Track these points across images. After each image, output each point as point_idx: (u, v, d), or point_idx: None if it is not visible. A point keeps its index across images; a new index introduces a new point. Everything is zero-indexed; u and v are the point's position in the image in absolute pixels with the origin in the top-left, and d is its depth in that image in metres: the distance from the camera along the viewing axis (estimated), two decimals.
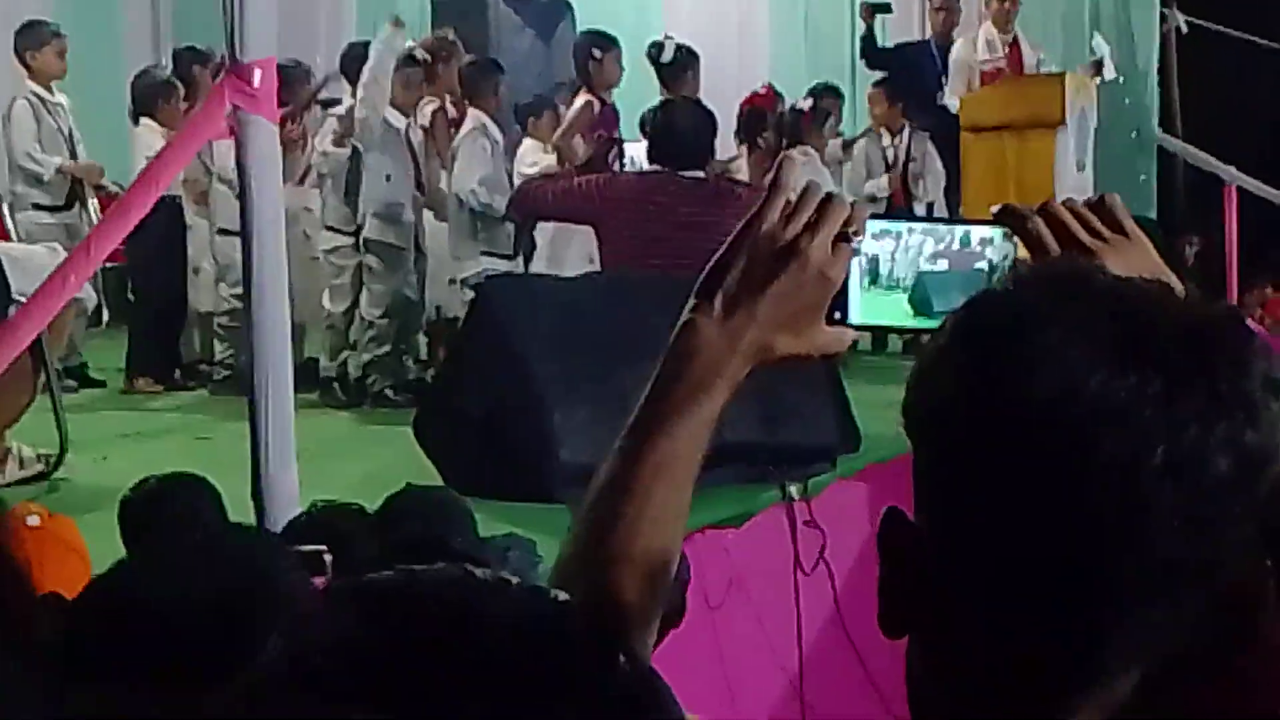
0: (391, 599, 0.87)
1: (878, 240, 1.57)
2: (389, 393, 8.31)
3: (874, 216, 1.57)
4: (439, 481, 5.29)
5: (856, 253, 1.52)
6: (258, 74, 3.96)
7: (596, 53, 8.73)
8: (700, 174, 6.85)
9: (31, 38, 9.04)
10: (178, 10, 13.41)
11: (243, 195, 3.98)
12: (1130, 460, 1.02)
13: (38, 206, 8.97)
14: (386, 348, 8.41)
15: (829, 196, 1.50)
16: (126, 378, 8.94)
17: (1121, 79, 10.99)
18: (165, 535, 3.72)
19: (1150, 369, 1.03)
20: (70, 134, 9.08)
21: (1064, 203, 1.58)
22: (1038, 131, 9.97)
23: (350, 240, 8.47)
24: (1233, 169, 11.37)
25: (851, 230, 1.49)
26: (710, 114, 7.28)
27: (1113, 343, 1.04)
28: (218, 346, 8.90)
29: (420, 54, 8.88)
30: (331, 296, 8.45)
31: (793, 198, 1.51)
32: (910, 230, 1.61)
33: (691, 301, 1.50)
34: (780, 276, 1.47)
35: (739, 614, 5.49)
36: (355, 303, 8.49)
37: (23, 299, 5.66)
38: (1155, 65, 11.70)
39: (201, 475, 4.03)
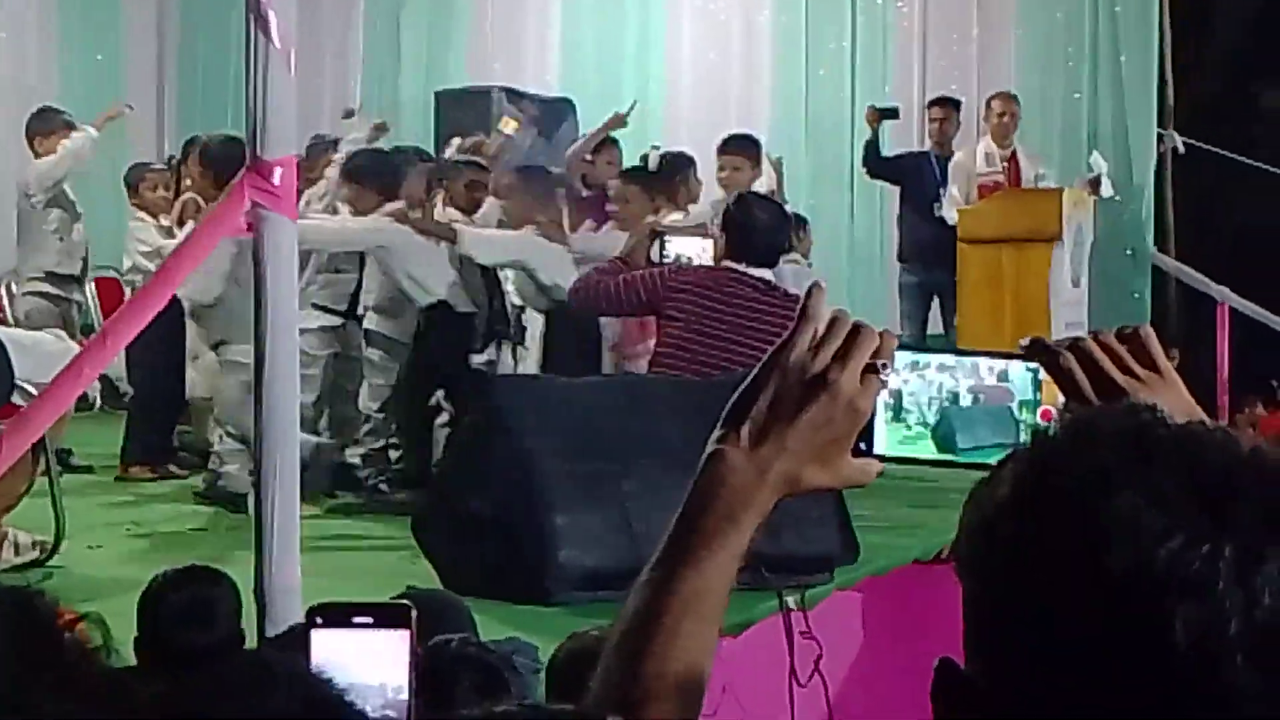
0: None
1: (900, 374, 1.57)
2: (383, 486, 8.32)
3: (900, 348, 1.55)
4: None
5: (885, 385, 1.51)
6: (278, 172, 3.99)
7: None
8: (769, 276, 6.79)
9: (41, 123, 9.16)
10: (181, 100, 13.55)
11: (258, 292, 3.99)
12: (1204, 634, 1.00)
13: (50, 275, 9.03)
14: (381, 441, 8.42)
15: (858, 327, 1.50)
16: (121, 464, 8.92)
17: (1118, 197, 11.11)
18: (184, 630, 3.71)
19: (1224, 537, 1.02)
20: (71, 225, 9.18)
21: (1096, 337, 1.57)
22: (1035, 245, 10.07)
23: (338, 322, 8.49)
24: (1225, 289, 11.46)
25: (880, 362, 1.49)
26: (785, 212, 7.17)
27: (1184, 509, 1.03)
28: (215, 438, 8.86)
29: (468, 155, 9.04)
30: (302, 384, 8.27)
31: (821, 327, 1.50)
32: (933, 363, 1.60)
33: (718, 430, 1.48)
34: (810, 407, 1.45)
35: None
36: (326, 395, 8.48)
37: (26, 385, 5.68)
38: (1151, 184, 11.83)
39: (220, 569, 4.01)
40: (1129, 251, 11.76)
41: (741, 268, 6.68)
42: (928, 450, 1.58)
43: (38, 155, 9.08)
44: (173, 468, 9.01)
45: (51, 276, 9.12)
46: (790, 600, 5.42)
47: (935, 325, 10.53)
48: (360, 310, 8.44)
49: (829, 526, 5.85)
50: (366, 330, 8.39)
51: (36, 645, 1.08)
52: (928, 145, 11.20)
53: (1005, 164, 10.68)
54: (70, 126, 9.19)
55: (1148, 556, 1.02)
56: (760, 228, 6.78)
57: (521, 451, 5.48)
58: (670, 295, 6.65)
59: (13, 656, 1.06)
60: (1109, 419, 1.13)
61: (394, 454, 8.43)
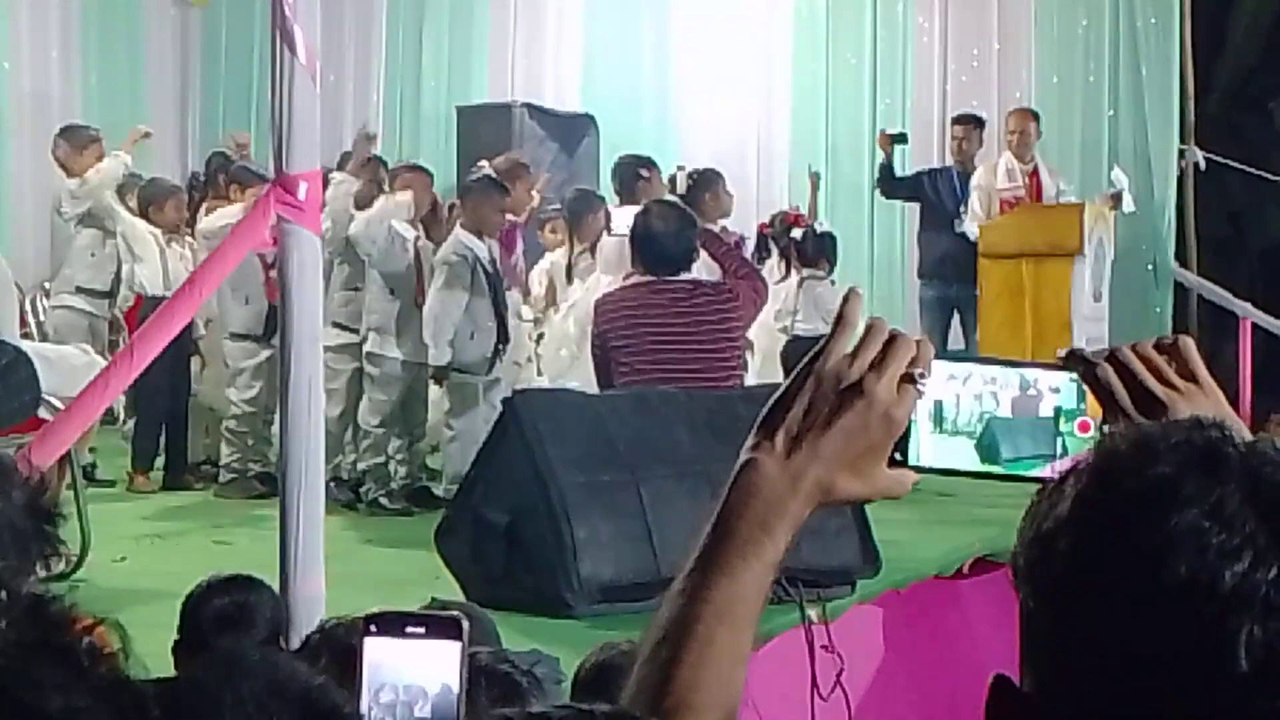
0: None
1: (941, 383, 1.54)
2: (383, 500, 8.36)
3: (939, 357, 1.52)
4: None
5: (921, 394, 1.48)
6: (303, 186, 4.01)
7: (644, 172, 8.96)
8: (690, 278, 6.78)
9: (72, 139, 9.20)
10: (204, 115, 13.60)
11: (283, 305, 4.02)
12: (1268, 656, 0.99)
13: (80, 290, 9.09)
14: (381, 457, 8.48)
15: (894, 335, 1.47)
16: (130, 474, 8.97)
17: (1139, 211, 11.09)
18: (224, 635, 3.72)
19: None
20: (104, 241, 9.23)
21: (1134, 348, 1.55)
22: (1055, 260, 10.06)
23: (355, 339, 8.52)
24: (1247, 304, 11.42)
25: (917, 371, 1.47)
26: (689, 215, 7.16)
27: (1251, 528, 1.01)
28: (224, 449, 8.92)
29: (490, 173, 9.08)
30: (327, 400, 8.23)
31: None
32: (974, 374, 1.58)
33: (752, 438, 1.46)
34: (845, 415, 1.43)
35: None
36: (350, 410, 8.51)
37: (52, 398, 5.72)
38: (1173, 199, 11.80)
39: (261, 577, 4.03)
40: (1150, 266, 11.72)
41: (659, 278, 6.69)
42: (968, 459, 1.56)
43: (66, 171, 9.12)
44: (188, 478, 9.06)
45: (81, 291, 9.17)
46: (811, 613, 5.43)
47: (955, 340, 10.52)
48: (363, 331, 8.51)
49: (849, 538, 5.86)
50: (367, 351, 8.47)
51: (47, 644, 1.10)
52: (949, 161, 11.20)
53: (1026, 179, 10.66)
54: (97, 141, 9.23)
55: (1212, 576, 1.00)
56: (662, 236, 6.77)
57: (541, 463, 5.51)
58: (609, 329, 6.64)
59: (23, 655, 1.08)
60: (1174, 434, 1.10)
61: (395, 468, 8.50)
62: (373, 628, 1.66)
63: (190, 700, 1.60)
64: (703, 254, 7.02)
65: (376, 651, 1.65)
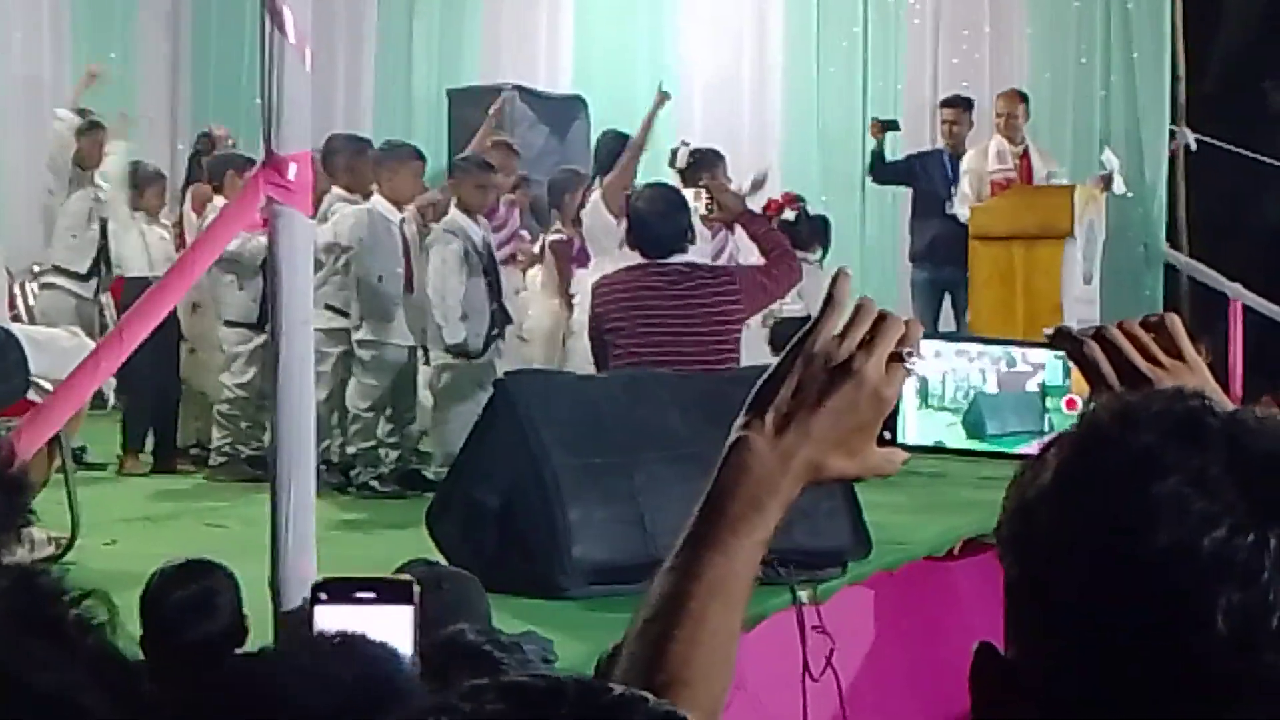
0: (539, 698, 0.92)
1: (928, 360, 1.55)
2: (374, 484, 8.36)
3: (926, 336, 1.54)
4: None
5: (910, 373, 1.49)
6: (293, 167, 4.00)
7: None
8: (687, 261, 6.79)
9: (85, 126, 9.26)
10: (194, 97, 13.57)
11: (273, 288, 4.01)
12: (1245, 623, 1.00)
13: (59, 270, 9.09)
14: (372, 441, 8.48)
15: (883, 314, 1.48)
16: (120, 458, 8.96)
17: (1130, 193, 11.10)
18: (188, 623, 3.73)
19: (1269, 526, 1.01)
20: (105, 221, 9.23)
21: (1121, 326, 1.56)
22: (1046, 242, 10.07)
23: (344, 323, 8.52)
24: (1238, 285, 11.44)
25: (906, 350, 1.48)
26: (680, 197, 7.15)
27: (1231, 496, 1.02)
28: (215, 433, 8.93)
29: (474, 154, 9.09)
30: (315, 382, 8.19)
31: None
32: (961, 351, 1.59)
33: (742, 417, 1.47)
34: (834, 395, 1.44)
35: (743, 718, 5.47)
36: (336, 393, 8.50)
37: (41, 381, 5.71)
38: (1164, 181, 11.82)
39: (219, 561, 4.04)
40: (1141, 248, 11.75)
41: (654, 260, 6.68)
42: (955, 435, 1.57)
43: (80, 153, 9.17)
44: (177, 462, 9.08)
45: (60, 271, 9.17)
46: (802, 595, 5.44)
47: (946, 323, 10.53)
48: (354, 317, 8.51)
49: (840, 520, 5.86)
50: (358, 337, 8.47)
51: (35, 619, 1.10)
52: (940, 144, 11.20)
53: (1017, 161, 10.67)
54: (99, 126, 9.28)
55: (1192, 542, 1.01)
56: (652, 218, 6.77)
57: (534, 445, 5.51)
58: (604, 312, 6.64)
59: (11, 629, 1.08)
60: (1156, 403, 1.11)
61: (385, 452, 8.49)
62: (323, 595, 1.66)
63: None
64: (699, 240, 7.00)
65: (328, 620, 1.64)
